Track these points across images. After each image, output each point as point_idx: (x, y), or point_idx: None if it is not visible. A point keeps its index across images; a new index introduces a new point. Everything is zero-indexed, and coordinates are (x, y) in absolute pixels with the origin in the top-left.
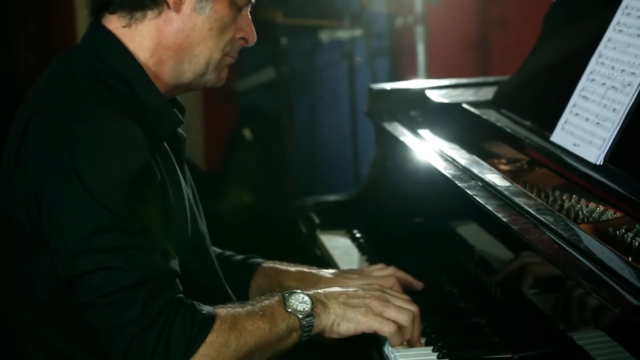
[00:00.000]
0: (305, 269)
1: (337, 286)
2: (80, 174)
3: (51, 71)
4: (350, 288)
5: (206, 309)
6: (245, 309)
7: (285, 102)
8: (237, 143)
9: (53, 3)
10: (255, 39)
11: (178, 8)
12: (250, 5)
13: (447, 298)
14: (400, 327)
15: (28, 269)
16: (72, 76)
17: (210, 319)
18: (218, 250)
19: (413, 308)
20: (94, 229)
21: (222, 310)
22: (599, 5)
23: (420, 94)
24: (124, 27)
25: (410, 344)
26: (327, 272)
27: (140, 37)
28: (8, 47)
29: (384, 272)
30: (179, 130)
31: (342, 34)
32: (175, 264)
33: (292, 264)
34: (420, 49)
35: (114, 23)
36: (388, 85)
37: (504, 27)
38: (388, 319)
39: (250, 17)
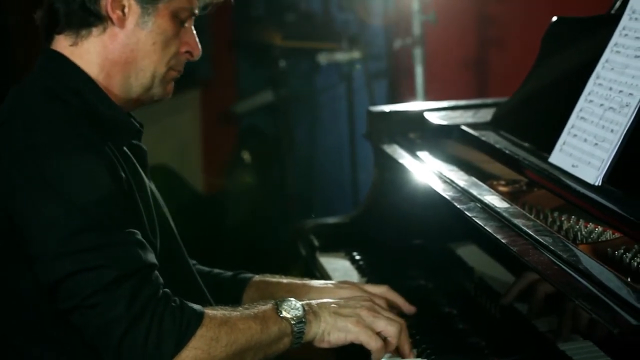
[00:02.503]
0: (297, 281)
1: (328, 296)
2: (46, 179)
3: (8, 98)
4: (341, 299)
5: (194, 305)
6: (237, 311)
7: (284, 124)
8: (237, 165)
9: None
10: (200, 53)
11: (122, 24)
12: (193, 19)
13: (446, 319)
14: (386, 340)
15: (11, 287)
16: (26, 95)
17: (200, 314)
18: (206, 269)
19: (401, 320)
20: (69, 231)
21: (211, 310)
22: (597, 27)
23: (419, 116)
24: (71, 46)
25: (403, 356)
26: (318, 283)
27: (87, 54)
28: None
29: (377, 289)
30: (140, 143)
31: (341, 56)
32: (152, 256)
33: (283, 276)
34: (419, 71)
35: (62, 43)
36: (387, 108)
37: (502, 48)
38: (376, 334)
39: (194, 30)
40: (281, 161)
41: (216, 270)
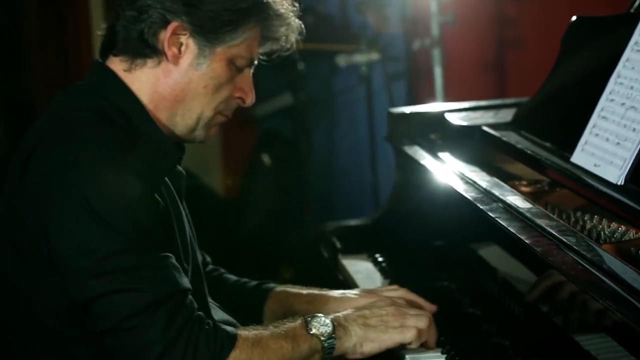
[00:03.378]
0: (316, 291)
1: (346, 305)
2: (88, 199)
3: (54, 107)
4: (366, 309)
5: (227, 327)
6: (267, 330)
7: (303, 127)
8: (256, 169)
9: (70, 28)
10: (253, 100)
11: (176, 61)
12: (252, 65)
13: (470, 319)
14: (419, 331)
15: (36, 300)
16: (74, 110)
17: (233, 336)
18: (234, 278)
19: (427, 312)
20: (108, 252)
21: (244, 331)
22: (617, 26)
23: (439, 117)
24: (125, 70)
25: (428, 348)
26: (337, 293)
27: (139, 82)
28: (25, 74)
29: (394, 293)
30: (179, 167)
31: (359, 58)
32: (187, 281)
33: (303, 287)
34: (438, 72)
35: (117, 65)
36: (407, 109)
37: (521, 48)
38: (406, 327)
39: (251, 77)
40: (300, 164)
41: (242, 280)
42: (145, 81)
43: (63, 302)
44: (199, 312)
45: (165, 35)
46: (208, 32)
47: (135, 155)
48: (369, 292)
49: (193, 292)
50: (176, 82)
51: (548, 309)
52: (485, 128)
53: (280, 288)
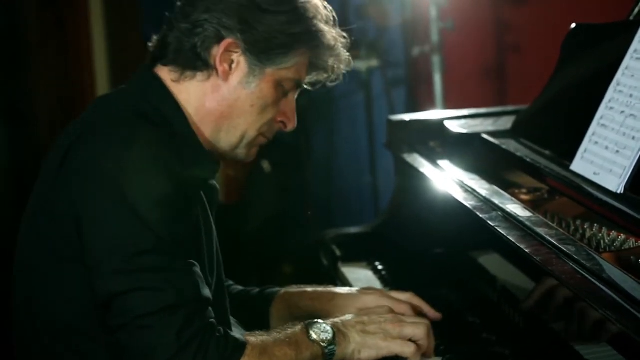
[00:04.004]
0: (321, 289)
1: (353, 303)
2: (126, 196)
3: (94, 105)
4: (364, 315)
5: (237, 335)
6: (271, 336)
7: (302, 132)
8: (255, 174)
9: (69, 28)
10: (295, 126)
11: (226, 78)
12: (297, 90)
13: (469, 328)
14: (417, 343)
15: (59, 293)
16: (115, 108)
17: (242, 344)
18: (239, 288)
19: (426, 321)
20: (138, 250)
21: (252, 337)
22: (616, 33)
23: (439, 124)
24: (173, 81)
25: (427, 357)
26: (342, 290)
27: (187, 94)
28: (25, 74)
29: (401, 295)
30: (213, 182)
31: (359, 64)
32: (208, 292)
33: (307, 286)
34: (437, 78)
35: (165, 74)
36: (407, 116)
37: (520, 55)
38: (406, 341)
39: (295, 103)
40: (300, 169)
41: (247, 289)
42: (193, 93)
43: (86, 297)
44: (212, 320)
45: (218, 50)
46: (261, 52)
47: (175, 159)
48: (375, 291)
49: (216, 305)
50: (224, 98)
51: (548, 318)
52: (484, 136)
53: (284, 290)
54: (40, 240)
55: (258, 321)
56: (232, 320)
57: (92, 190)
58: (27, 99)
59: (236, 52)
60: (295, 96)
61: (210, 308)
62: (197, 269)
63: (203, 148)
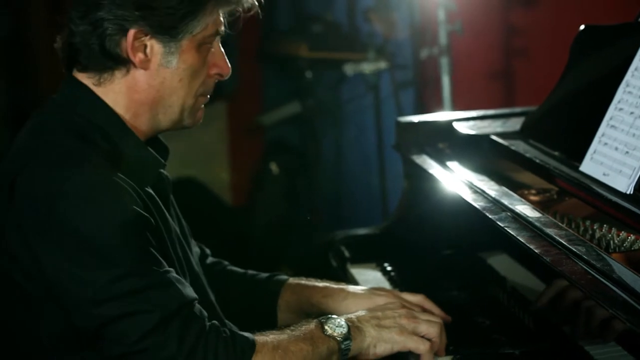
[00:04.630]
0: (333, 285)
1: (364, 302)
2: (78, 228)
3: (30, 127)
4: (378, 311)
5: (245, 333)
6: (285, 333)
7: (311, 135)
8: (264, 177)
9: None
10: (230, 71)
11: (145, 66)
12: (219, 38)
13: (479, 329)
14: (430, 340)
15: (36, 333)
16: (50, 132)
17: (252, 342)
18: (240, 270)
19: (439, 319)
20: (108, 278)
21: (261, 336)
22: (625, 34)
23: (447, 126)
24: (95, 85)
25: (437, 354)
26: (354, 288)
27: (112, 93)
28: (33, 80)
29: (412, 298)
30: (163, 171)
31: (367, 67)
32: (191, 290)
33: (318, 280)
34: (445, 80)
35: (87, 80)
36: (415, 118)
37: (528, 57)
38: (421, 338)
39: (221, 48)
40: (309, 172)
41: (250, 272)
42: (118, 92)
43: (63, 331)
44: (214, 321)
45: (126, 43)
46: (169, 28)
47: (117, 176)
48: (387, 292)
49: (200, 303)
50: (150, 85)
51: (558, 318)
52: (493, 137)
53: (294, 280)
54: (6, 280)
55: (264, 308)
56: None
57: (46, 232)
58: (36, 103)
59: (145, 38)
60: (219, 42)
61: (199, 307)
62: (173, 274)
63: (143, 146)
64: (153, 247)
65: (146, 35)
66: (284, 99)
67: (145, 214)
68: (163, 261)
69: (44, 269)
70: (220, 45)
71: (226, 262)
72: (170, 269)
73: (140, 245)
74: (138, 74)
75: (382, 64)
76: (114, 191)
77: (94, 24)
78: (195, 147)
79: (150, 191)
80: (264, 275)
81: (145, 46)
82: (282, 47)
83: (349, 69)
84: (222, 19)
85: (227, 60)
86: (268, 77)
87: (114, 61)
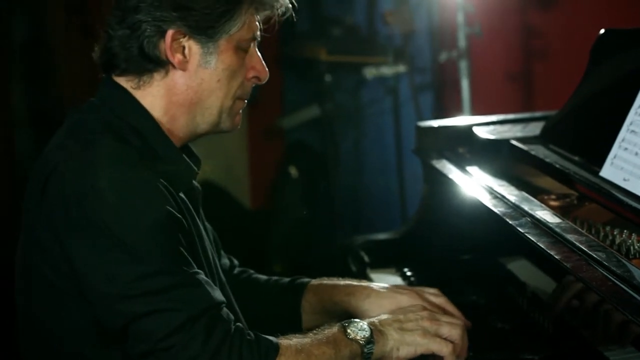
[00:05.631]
0: (355, 283)
1: (387, 301)
2: (109, 226)
3: (66, 127)
4: (399, 314)
5: (269, 337)
6: (307, 337)
7: (330, 139)
8: (283, 180)
9: (96, 40)
10: (268, 75)
11: (184, 66)
12: (257, 42)
13: (499, 335)
14: (452, 342)
15: (61, 327)
16: (86, 131)
17: (276, 345)
18: (265, 277)
19: (461, 322)
20: (133, 276)
21: (285, 339)
22: None
23: (467, 130)
24: (133, 88)
25: (459, 355)
26: (377, 286)
27: (151, 97)
28: (53, 84)
29: (435, 298)
30: (194, 182)
31: (386, 70)
32: (219, 293)
33: (340, 278)
34: (465, 83)
35: (125, 83)
36: (435, 123)
37: (548, 60)
38: (444, 340)
39: (258, 52)
40: (328, 176)
41: (274, 278)
42: (157, 94)
43: (90, 327)
44: (238, 324)
45: (165, 45)
46: (206, 28)
47: (150, 175)
48: (409, 290)
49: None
50: (189, 86)
51: (577, 324)
52: (513, 142)
53: (316, 281)
54: (36, 274)
55: (289, 312)
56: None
57: (76, 227)
58: (55, 106)
59: (183, 39)
60: (256, 46)
61: (227, 310)
62: (202, 276)
63: (178, 153)
64: (184, 248)
65: (184, 36)
66: (304, 103)
67: (179, 215)
68: (193, 263)
69: (74, 264)
70: (257, 49)
71: (252, 271)
72: (200, 271)
73: (172, 244)
74: (177, 76)
75: (401, 67)
76: (148, 189)
77: (132, 27)
78: (216, 150)
79: (183, 197)
80: (287, 279)
81: (184, 47)
82: (301, 50)
83: (368, 73)
84: (257, 23)
85: (265, 64)
86: (288, 80)
87: (153, 63)
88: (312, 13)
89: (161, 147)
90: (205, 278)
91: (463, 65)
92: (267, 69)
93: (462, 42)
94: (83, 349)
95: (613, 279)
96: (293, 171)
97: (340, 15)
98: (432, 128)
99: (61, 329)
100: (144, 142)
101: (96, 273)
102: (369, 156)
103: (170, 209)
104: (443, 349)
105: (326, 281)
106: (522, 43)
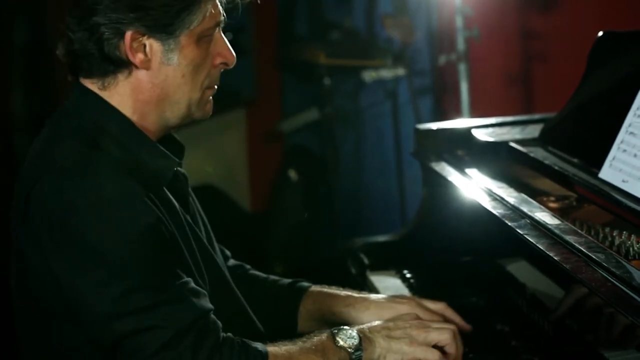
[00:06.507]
0: (355, 294)
1: (387, 312)
2: (91, 242)
3: (42, 138)
4: (390, 321)
5: (258, 344)
6: (297, 345)
7: (329, 142)
8: (283, 184)
9: None
10: (235, 59)
11: (147, 65)
12: (220, 27)
13: (499, 336)
14: (443, 349)
15: (59, 343)
16: (61, 141)
17: (264, 354)
18: (263, 275)
19: (451, 326)
20: (121, 291)
21: (274, 347)
22: None
23: (466, 133)
24: (100, 89)
25: None
26: (376, 297)
27: (118, 96)
28: (54, 91)
29: (434, 305)
30: (180, 169)
31: (385, 73)
32: (206, 300)
33: (340, 288)
34: (464, 86)
35: (92, 86)
36: (434, 125)
37: (547, 63)
38: (431, 348)
39: (224, 37)
40: (327, 179)
41: (272, 277)
42: (124, 94)
43: (83, 343)
44: (229, 334)
45: (125, 46)
46: (165, 26)
47: (130, 183)
48: (408, 299)
49: (220, 294)
50: (153, 84)
51: (577, 325)
52: (512, 144)
53: (315, 288)
54: (28, 295)
55: (285, 315)
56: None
57: (60, 246)
58: (55, 111)
59: (143, 38)
60: (220, 31)
61: (214, 317)
62: (188, 286)
63: (154, 145)
64: (168, 258)
65: (143, 35)
66: (303, 106)
67: (160, 225)
68: (180, 272)
69: (60, 283)
70: (222, 34)
71: (248, 266)
72: (187, 279)
73: (154, 258)
74: (141, 75)
75: (400, 71)
76: (127, 202)
77: (90, 29)
78: (215, 153)
79: (167, 194)
80: (286, 281)
81: (144, 46)
82: (300, 54)
83: (367, 76)
84: (220, 9)
85: (231, 49)
86: (287, 84)
87: (114, 64)
88: (311, 16)
89: (135, 144)
90: (192, 287)
91: (462, 68)
92: (233, 53)
93: (461, 45)
94: None
95: (612, 280)
96: (293, 174)
97: (339, 19)
98: (431, 131)
99: (58, 349)
100: (118, 144)
101: (81, 292)
102: (368, 159)
103: (152, 219)
104: (429, 356)
105: (326, 289)
106: (520, 46)
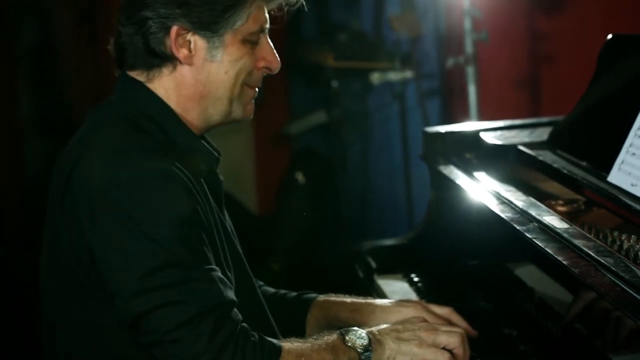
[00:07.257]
0: (361, 300)
1: (393, 315)
2: (130, 216)
3: (87, 123)
4: (398, 324)
5: (272, 340)
6: (308, 343)
7: (337, 144)
8: (290, 186)
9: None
10: (279, 65)
11: (190, 61)
12: (266, 32)
13: (507, 340)
14: (452, 351)
15: (90, 319)
16: (107, 124)
17: (278, 348)
18: (272, 290)
19: (460, 329)
20: (151, 267)
21: (287, 342)
22: None
23: (474, 136)
24: (145, 82)
25: None
26: (382, 302)
27: (162, 89)
28: (61, 90)
29: (440, 310)
30: (217, 172)
31: (393, 76)
32: (232, 292)
33: (346, 295)
34: (472, 89)
35: (137, 76)
36: (442, 128)
37: (555, 65)
38: (440, 350)
39: (270, 42)
40: (334, 181)
41: (282, 291)
42: (168, 88)
43: (116, 323)
44: (244, 324)
45: (170, 40)
46: (210, 24)
47: (172, 165)
48: (414, 303)
49: (243, 291)
50: (197, 80)
51: (586, 330)
52: (520, 147)
53: (322, 297)
54: (61, 273)
55: (294, 327)
56: None
57: (99, 219)
58: (63, 114)
59: (188, 34)
60: (267, 36)
61: (236, 310)
62: (217, 273)
63: (198, 141)
64: (202, 241)
65: (188, 31)
66: (311, 108)
67: (198, 210)
68: (210, 257)
69: (95, 255)
70: (268, 39)
71: (261, 282)
72: (215, 267)
73: (189, 237)
74: (184, 70)
75: (408, 73)
76: (169, 182)
77: (138, 23)
78: (222, 155)
79: (205, 187)
80: (293, 294)
81: (189, 42)
82: (308, 56)
83: (375, 78)
84: (266, 15)
85: (276, 54)
86: (294, 86)
87: (159, 58)
88: (319, 19)
89: (179, 135)
90: (220, 276)
91: (470, 71)
92: (278, 59)
93: (469, 48)
94: (120, 344)
95: (621, 285)
96: (300, 177)
97: (347, 21)
98: (439, 134)
99: (96, 327)
100: (162, 131)
101: (116, 263)
102: (376, 162)
103: (191, 200)
104: (439, 357)
105: (333, 297)
106: (529, 48)
